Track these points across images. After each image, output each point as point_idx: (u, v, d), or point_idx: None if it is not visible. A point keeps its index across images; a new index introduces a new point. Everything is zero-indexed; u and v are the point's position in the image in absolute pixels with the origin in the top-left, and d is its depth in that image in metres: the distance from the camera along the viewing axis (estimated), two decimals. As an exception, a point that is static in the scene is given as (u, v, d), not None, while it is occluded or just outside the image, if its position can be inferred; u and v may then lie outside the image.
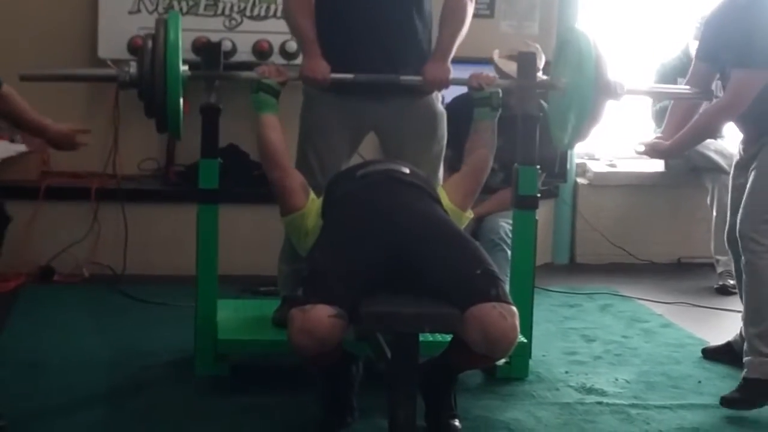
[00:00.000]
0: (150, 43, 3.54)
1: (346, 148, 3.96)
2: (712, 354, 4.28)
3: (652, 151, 4.04)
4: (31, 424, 3.40)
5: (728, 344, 4.23)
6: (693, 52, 5.78)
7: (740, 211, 3.79)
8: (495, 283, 3.15)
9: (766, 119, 3.76)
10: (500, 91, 3.80)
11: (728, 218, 4.02)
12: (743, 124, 3.85)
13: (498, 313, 3.07)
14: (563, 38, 4.02)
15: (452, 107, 4.68)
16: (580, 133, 3.80)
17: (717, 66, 3.88)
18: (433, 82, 3.83)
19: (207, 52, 3.89)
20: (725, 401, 3.70)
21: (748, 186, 3.79)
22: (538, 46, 4.45)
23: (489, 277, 3.17)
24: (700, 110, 3.99)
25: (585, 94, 3.69)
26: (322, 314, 3.02)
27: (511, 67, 4.36)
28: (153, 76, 3.49)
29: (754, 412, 3.69)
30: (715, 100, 3.91)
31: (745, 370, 3.74)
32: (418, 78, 3.81)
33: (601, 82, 3.69)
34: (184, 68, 3.59)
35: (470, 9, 3.93)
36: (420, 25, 3.90)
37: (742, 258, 3.79)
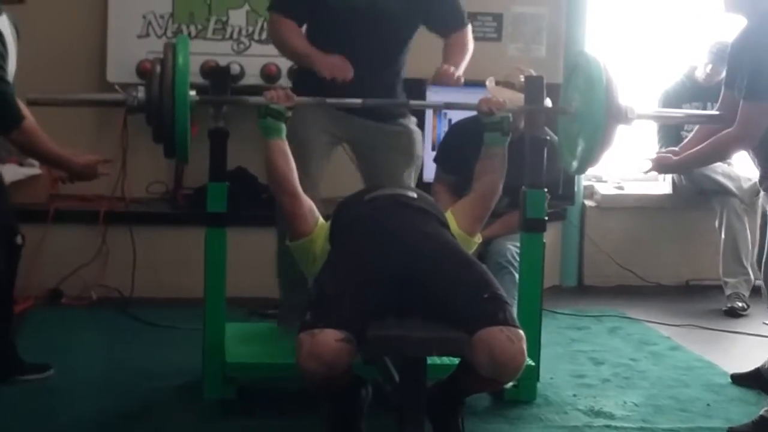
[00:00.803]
0: (158, 68, 3.54)
1: (321, 155, 4.10)
2: (741, 380, 4.25)
3: (659, 165, 4.02)
4: (39, 448, 3.41)
5: (757, 370, 4.20)
6: (697, 76, 5.84)
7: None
8: (502, 307, 3.15)
9: None
10: (510, 115, 3.79)
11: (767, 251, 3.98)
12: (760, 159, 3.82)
13: (506, 337, 3.06)
14: (573, 62, 4.00)
15: (456, 132, 4.71)
16: (591, 158, 3.78)
17: (737, 93, 3.83)
18: (445, 75, 3.93)
19: (215, 76, 3.91)
20: None
21: None
22: (531, 70, 4.43)
23: (496, 301, 3.16)
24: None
25: (596, 119, 3.67)
26: (330, 339, 3.02)
27: (504, 95, 4.35)
28: (161, 102, 3.49)
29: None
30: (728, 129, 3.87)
31: (765, 408, 3.69)
32: (427, 103, 3.88)
33: (612, 107, 3.67)
34: (192, 93, 3.60)
35: (470, 42, 4.14)
36: (403, 59, 4.18)
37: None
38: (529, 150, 3.94)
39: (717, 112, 3.98)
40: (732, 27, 3.98)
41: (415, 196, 3.56)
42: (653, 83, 6.21)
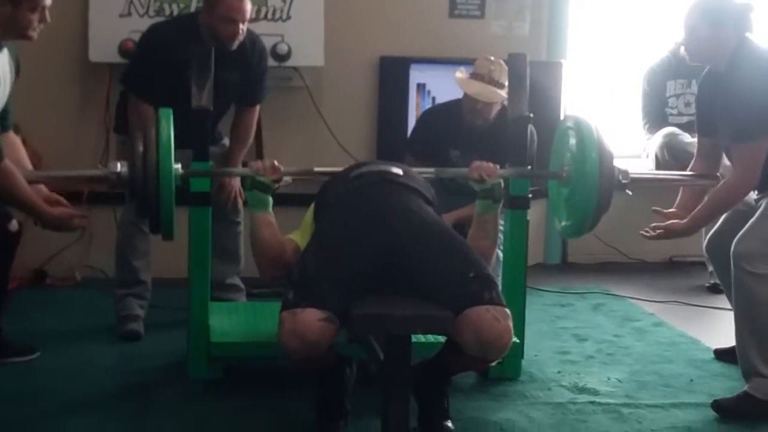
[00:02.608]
0: (141, 145, 3.42)
1: None
2: (724, 356, 4.28)
3: (670, 232, 3.91)
4: (25, 427, 3.40)
5: None
6: (681, 53, 5.84)
7: (740, 234, 3.73)
8: (488, 285, 3.16)
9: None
10: (502, 182, 3.66)
11: (717, 225, 4.00)
12: None
13: (491, 315, 3.07)
14: (564, 125, 3.93)
15: (427, 119, 4.72)
16: (588, 223, 3.75)
17: (720, 139, 3.83)
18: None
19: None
20: (719, 408, 3.69)
21: (758, 213, 3.74)
22: (501, 61, 4.41)
23: (483, 280, 3.17)
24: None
25: (593, 186, 3.64)
26: (311, 318, 3.02)
27: (472, 89, 4.38)
28: (146, 180, 3.39)
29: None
30: (725, 179, 3.83)
31: (748, 385, 3.71)
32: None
33: (607, 173, 3.64)
34: (176, 167, 3.52)
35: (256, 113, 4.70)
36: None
37: (733, 277, 3.74)
38: (511, 128, 3.94)
39: (712, 174, 3.94)
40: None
41: (401, 172, 3.55)
42: (639, 60, 6.21)
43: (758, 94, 3.64)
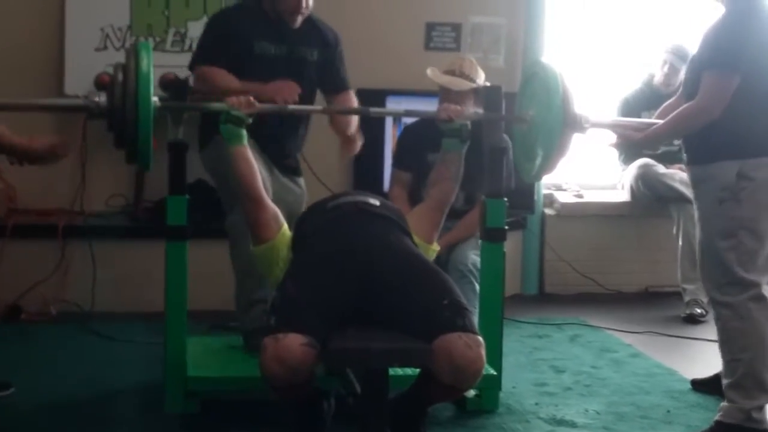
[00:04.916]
0: (120, 74, 3.50)
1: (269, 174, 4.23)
2: (701, 386, 4.28)
3: (626, 138, 3.93)
4: (-2, 465, 3.38)
5: (717, 376, 4.20)
6: (655, 83, 5.90)
7: (698, 265, 3.82)
8: (462, 313, 3.17)
9: (709, 141, 3.71)
10: (469, 123, 3.82)
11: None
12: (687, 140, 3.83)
13: (464, 342, 3.08)
14: (529, 71, 4.03)
15: (408, 132, 4.81)
16: (547, 166, 3.82)
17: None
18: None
19: (174, 88, 3.90)
20: None
21: (698, 242, 3.80)
22: (473, 59, 4.53)
23: (455, 308, 3.18)
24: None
25: (552, 127, 3.72)
26: (294, 343, 3.03)
27: (443, 80, 4.49)
28: (124, 107, 3.44)
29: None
30: (689, 102, 3.78)
31: (721, 413, 3.74)
32: (387, 110, 4.19)
33: (568, 116, 3.71)
34: (154, 99, 3.56)
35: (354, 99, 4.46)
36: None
37: (713, 311, 3.80)
38: (488, 159, 3.97)
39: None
40: (687, 27, 3.98)
41: (377, 203, 3.58)
42: (612, 91, 6.26)
43: (732, 26, 3.66)
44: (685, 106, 3.74)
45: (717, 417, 3.73)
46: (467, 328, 3.13)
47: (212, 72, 4.14)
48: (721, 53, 3.63)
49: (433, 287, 3.25)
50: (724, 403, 3.73)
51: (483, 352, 3.11)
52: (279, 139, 4.30)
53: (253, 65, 4.16)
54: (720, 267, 3.69)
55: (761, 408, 3.68)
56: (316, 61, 4.33)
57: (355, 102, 4.47)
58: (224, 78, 4.10)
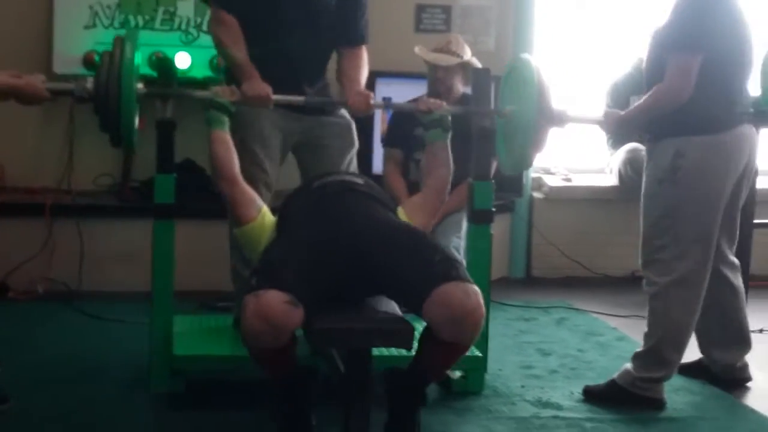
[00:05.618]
0: (107, 60, 3.58)
1: (279, 155, 4.17)
2: (685, 371, 4.27)
3: (607, 117, 4.01)
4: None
5: (700, 361, 4.26)
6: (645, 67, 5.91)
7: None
8: (455, 265, 3.18)
9: (656, 121, 3.83)
10: (449, 115, 3.80)
11: None
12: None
13: (461, 290, 3.07)
14: (510, 66, 4.05)
15: (397, 114, 4.85)
16: (524, 159, 3.88)
17: None
18: (359, 110, 3.99)
19: (161, 67, 3.91)
20: (587, 393, 3.96)
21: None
22: (459, 37, 4.67)
23: (449, 261, 3.20)
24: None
25: (528, 121, 3.74)
26: (275, 299, 3.01)
27: (430, 56, 4.60)
28: (108, 92, 3.52)
29: (707, 423, 3.75)
30: (658, 85, 3.86)
31: (619, 373, 3.94)
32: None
33: (545, 110, 3.73)
34: (139, 86, 3.63)
35: (365, 57, 4.21)
36: (329, 56, 4.27)
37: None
38: (475, 141, 3.97)
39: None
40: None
41: (361, 182, 3.62)
42: (602, 75, 6.26)
43: (697, 4, 3.74)
44: (654, 89, 3.82)
45: (615, 376, 3.96)
46: (463, 278, 3.13)
47: (223, 24, 4.00)
48: (685, 34, 3.72)
49: (423, 248, 3.26)
50: (626, 365, 3.94)
51: (481, 300, 3.10)
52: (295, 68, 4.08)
53: (269, 7, 4.03)
54: (649, 246, 3.87)
55: (650, 380, 3.87)
56: (333, 9, 4.13)
57: (365, 63, 4.20)
58: (231, 41, 3.98)
